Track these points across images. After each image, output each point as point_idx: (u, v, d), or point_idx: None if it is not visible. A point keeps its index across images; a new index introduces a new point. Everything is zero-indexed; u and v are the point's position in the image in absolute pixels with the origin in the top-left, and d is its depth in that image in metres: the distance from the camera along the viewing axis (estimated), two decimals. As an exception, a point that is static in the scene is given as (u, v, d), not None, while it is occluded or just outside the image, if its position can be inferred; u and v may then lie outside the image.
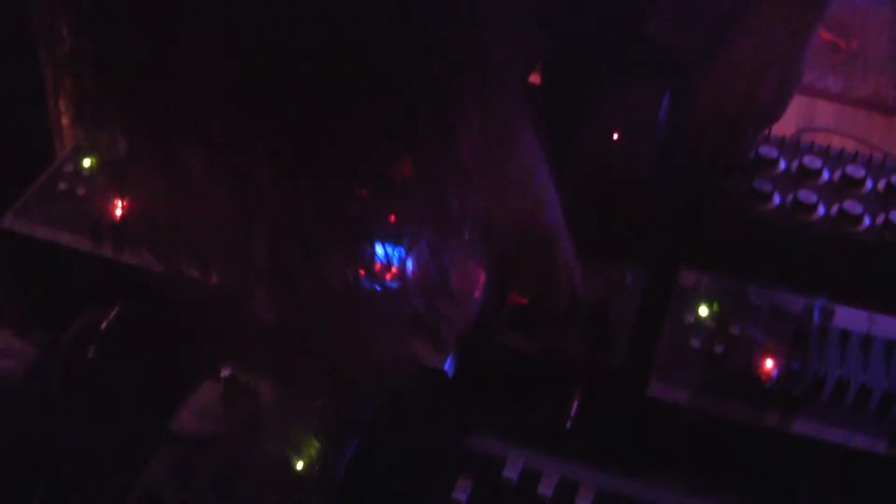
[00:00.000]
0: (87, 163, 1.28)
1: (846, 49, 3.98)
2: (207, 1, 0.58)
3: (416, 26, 0.62)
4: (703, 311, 1.15)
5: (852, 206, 1.25)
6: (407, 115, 0.65)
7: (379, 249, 0.77)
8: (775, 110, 1.32)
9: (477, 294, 1.16)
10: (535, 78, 1.59)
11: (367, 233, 0.72)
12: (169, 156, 0.66)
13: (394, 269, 0.80)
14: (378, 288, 0.82)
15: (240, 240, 0.70)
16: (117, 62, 0.63)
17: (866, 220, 1.25)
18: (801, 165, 1.31)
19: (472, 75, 0.68)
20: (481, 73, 0.69)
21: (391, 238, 0.74)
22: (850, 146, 1.52)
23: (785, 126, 1.38)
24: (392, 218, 0.73)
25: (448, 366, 1.09)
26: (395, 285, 0.83)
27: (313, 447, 1.02)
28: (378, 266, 0.78)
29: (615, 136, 1.28)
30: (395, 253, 0.79)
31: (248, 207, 0.67)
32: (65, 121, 1.46)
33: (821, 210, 1.26)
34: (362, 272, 0.76)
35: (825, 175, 1.31)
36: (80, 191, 1.27)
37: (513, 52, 0.71)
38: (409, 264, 0.81)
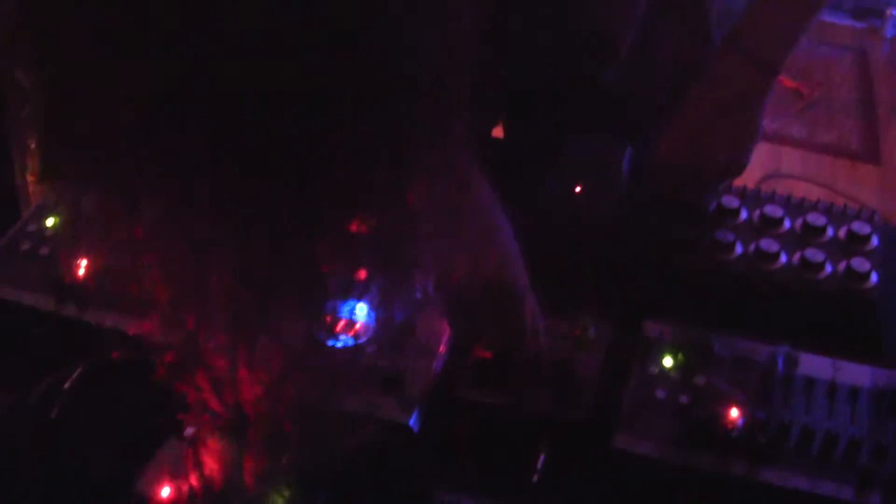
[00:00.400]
0: (50, 222, 1.28)
1: (809, 96, 4.02)
2: (163, 61, 0.58)
3: (368, 89, 0.63)
4: (668, 361, 1.16)
5: (814, 255, 1.26)
6: (359, 173, 0.66)
7: (345, 306, 0.77)
8: (734, 167, 1.33)
9: (442, 349, 1.16)
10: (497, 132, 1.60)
11: (324, 289, 0.72)
12: (126, 214, 0.66)
13: (358, 326, 0.80)
14: (341, 344, 0.82)
15: (197, 297, 0.70)
16: (75, 120, 0.63)
17: (828, 268, 1.26)
18: (762, 215, 1.32)
19: (423, 131, 0.68)
20: (433, 129, 0.69)
21: (351, 294, 0.74)
22: (816, 192, 1.54)
23: (750, 173, 1.39)
24: (349, 273, 0.73)
25: (413, 421, 1.09)
26: (359, 341, 0.83)
27: (279, 506, 1.01)
28: (341, 322, 0.78)
29: (578, 189, 1.29)
30: (358, 309, 0.79)
31: (205, 265, 0.67)
32: (29, 179, 1.46)
33: (783, 259, 1.27)
34: (324, 328, 0.76)
35: (787, 224, 1.32)
36: (44, 250, 1.26)
37: (465, 106, 0.71)
38: (373, 320, 0.81)
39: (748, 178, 1.40)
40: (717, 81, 1.29)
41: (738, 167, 1.34)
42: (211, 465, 1.03)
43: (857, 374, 1.16)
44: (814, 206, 1.35)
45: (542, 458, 1.08)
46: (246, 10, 0.58)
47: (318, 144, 0.63)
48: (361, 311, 0.79)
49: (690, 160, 1.31)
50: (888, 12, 4.43)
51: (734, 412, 1.09)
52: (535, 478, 1.06)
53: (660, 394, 1.13)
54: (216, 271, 0.67)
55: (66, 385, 1.14)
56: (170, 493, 1.04)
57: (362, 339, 0.84)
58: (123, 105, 0.60)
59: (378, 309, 0.79)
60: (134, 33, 0.58)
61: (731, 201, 1.34)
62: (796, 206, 1.35)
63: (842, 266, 1.26)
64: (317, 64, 0.60)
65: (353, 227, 0.71)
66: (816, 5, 1.27)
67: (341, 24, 0.60)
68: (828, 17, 4.48)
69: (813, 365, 1.16)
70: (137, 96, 0.60)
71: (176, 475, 1.05)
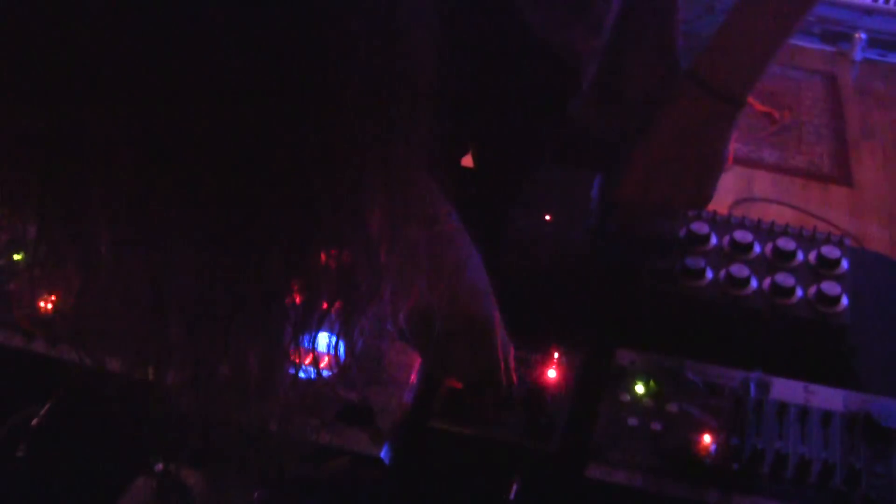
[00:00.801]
0: (17, 257, 1.27)
1: (780, 120, 4.05)
2: (115, 97, 0.58)
3: (321, 115, 0.62)
4: (640, 389, 1.16)
5: (784, 280, 1.26)
6: (314, 201, 0.65)
7: (307, 337, 0.76)
8: (698, 200, 1.33)
9: (413, 379, 1.16)
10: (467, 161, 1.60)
11: (284, 319, 0.72)
12: (82, 245, 0.66)
13: (320, 356, 0.80)
14: (303, 375, 0.82)
15: (155, 328, 0.69)
16: (28, 152, 0.63)
17: (799, 293, 1.26)
18: (732, 240, 1.33)
19: (379, 159, 0.68)
20: (390, 157, 0.69)
21: (312, 324, 0.74)
22: (788, 215, 1.54)
23: (723, 198, 1.40)
24: (310, 303, 0.72)
25: (385, 453, 1.09)
26: (323, 372, 0.82)
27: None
28: (303, 353, 0.78)
29: (548, 218, 1.29)
30: (321, 339, 0.78)
31: (162, 297, 0.67)
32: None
33: (753, 284, 1.27)
34: (285, 359, 0.75)
35: (757, 249, 1.33)
36: (12, 286, 1.26)
37: (424, 135, 0.71)
38: (338, 351, 0.81)
39: (720, 202, 1.41)
40: (680, 114, 1.29)
41: (703, 200, 1.34)
42: (179, 501, 1.03)
43: (830, 398, 1.16)
44: (784, 231, 1.35)
45: (514, 487, 1.07)
46: (186, 46, 0.57)
47: (270, 173, 0.62)
48: (325, 341, 0.78)
49: (654, 193, 1.31)
50: (856, 36, 4.48)
51: (707, 439, 1.09)
52: (508, 508, 1.06)
53: (632, 422, 1.13)
54: (173, 303, 0.67)
55: (34, 422, 1.13)
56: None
57: (326, 370, 0.83)
58: (72, 138, 0.60)
59: (340, 340, 0.79)
60: (95, 84, 0.58)
61: (700, 227, 1.34)
62: (766, 231, 1.36)
63: (812, 290, 1.26)
64: (268, 90, 0.60)
65: (313, 257, 0.70)
66: (779, 38, 1.26)
67: (292, 60, 0.60)
68: (797, 42, 4.53)
69: (785, 390, 1.16)
70: (87, 128, 0.59)
71: (146, 512, 1.05)
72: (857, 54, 4.52)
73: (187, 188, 0.61)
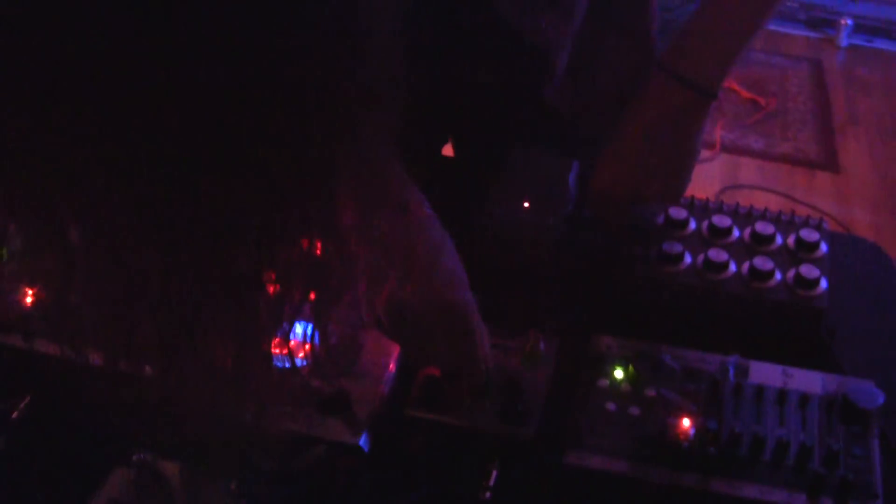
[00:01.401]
0: (-6, 253, 1.27)
1: (766, 107, 4.06)
2: (80, 82, 0.58)
3: (289, 105, 0.62)
4: (618, 374, 1.16)
5: (763, 263, 1.26)
6: (283, 192, 0.65)
7: (280, 327, 0.76)
8: (671, 192, 1.33)
9: (391, 368, 1.16)
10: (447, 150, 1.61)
11: (254, 309, 0.72)
12: (54, 236, 0.66)
13: (294, 345, 0.80)
14: (282, 367, 0.82)
15: (126, 320, 0.69)
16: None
17: (777, 276, 1.26)
18: (711, 225, 1.33)
19: (348, 149, 0.68)
20: (359, 148, 0.69)
21: (284, 315, 0.74)
22: (775, 202, 1.54)
23: (709, 185, 1.40)
24: (281, 294, 0.72)
25: (363, 441, 1.09)
26: (298, 361, 0.82)
27: (228, 532, 1.00)
28: (277, 342, 0.78)
29: (525, 205, 1.29)
30: (296, 329, 0.78)
31: (131, 289, 0.67)
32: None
33: (732, 268, 1.27)
34: (259, 349, 0.75)
35: (735, 233, 1.33)
36: (-12, 281, 1.25)
37: (394, 125, 0.71)
38: (312, 341, 0.81)
39: (707, 190, 1.42)
40: (652, 105, 1.27)
41: (676, 192, 1.33)
42: (157, 492, 1.03)
43: (808, 380, 1.16)
44: (762, 215, 1.35)
45: (493, 474, 1.07)
46: (168, 43, 0.57)
47: (238, 164, 0.62)
48: (299, 331, 0.78)
49: (627, 185, 1.30)
50: (842, 22, 4.49)
51: (685, 423, 1.10)
52: (487, 495, 1.06)
53: (610, 407, 1.13)
54: (143, 295, 0.67)
55: (13, 415, 1.13)
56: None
57: (301, 360, 0.83)
58: (41, 130, 0.60)
59: (315, 329, 0.79)
60: (62, 76, 0.58)
61: (678, 213, 1.34)
62: (744, 216, 1.36)
63: (791, 274, 1.26)
64: (236, 85, 0.60)
65: (284, 248, 0.70)
66: (752, 29, 1.25)
67: (259, 44, 0.60)
68: (782, 28, 4.53)
69: (763, 373, 1.17)
70: (66, 133, 0.60)
71: (124, 502, 1.05)
72: (843, 40, 4.53)
73: (155, 180, 0.61)
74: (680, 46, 1.26)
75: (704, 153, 3.63)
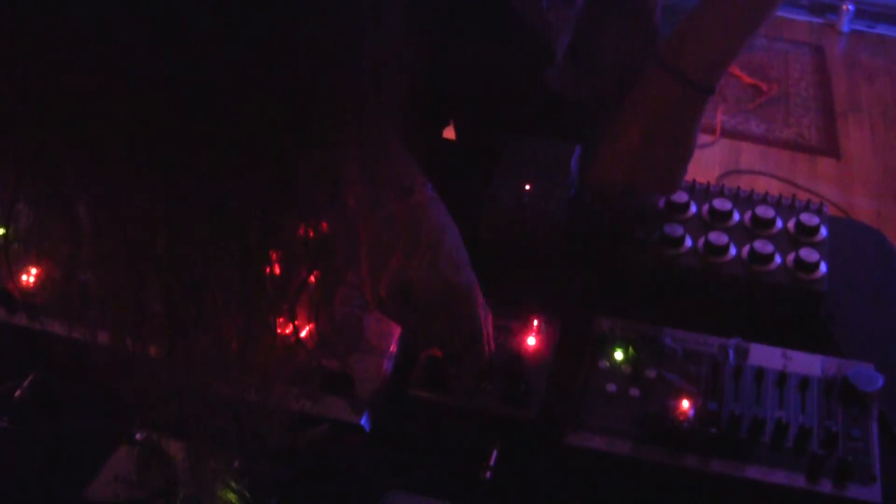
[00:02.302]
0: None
1: (768, 92, 4.06)
2: (92, 62, 0.59)
3: (293, 87, 0.63)
4: (619, 355, 1.16)
5: (763, 247, 1.26)
6: (289, 171, 0.66)
7: (287, 305, 0.77)
8: (666, 186, 1.33)
9: (393, 348, 1.16)
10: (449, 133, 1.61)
11: (261, 287, 0.72)
12: (62, 218, 0.67)
13: (300, 324, 0.80)
14: (286, 346, 0.82)
15: (133, 297, 0.70)
16: (9, 131, 0.63)
17: (777, 260, 1.26)
18: (711, 208, 1.33)
19: (353, 131, 0.68)
20: (363, 130, 0.69)
21: (290, 293, 0.74)
22: (776, 187, 1.54)
23: (710, 170, 1.40)
24: (286, 271, 0.73)
25: (365, 421, 1.09)
26: (302, 340, 0.83)
27: (231, 509, 1.01)
28: (282, 320, 0.78)
29: (528, 188, 1.29)
30: (301, 307, 0.79)
31: (139, 265, 0.67)
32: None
33: (732, 251, 1.28)
34: (264, 326, 0.76)
35: (736, 217, 1.33)
36: (-8, 260, 1.26)
37: (398, 109, 0.72)
38: (316, 320, 0.81)
39: (707, 174, 1.42)
40: (648, 99, 1.26)
41: (671, 186, 1.33)
42: (160, 470, 1.03)
43: (807, 363, 1.17)
44: (762, 199, 1.36)
45: (494, 454, 1.08)
46: (173, 14, 0.58)
47: (247, 143, 0.63)
48: (305, 309, 0.79)
49: (621, 178, 1.29)
50: (844, 7, 4.48)
51: (685, 404, 1.10)
52: (487, 474, 1.07)
53: (610, 388, 1.13)
54: (151, 271, 0.67)
55: (17, 394, 1.13)
56: (119, 500, 1.04)
57: (305, 338, 0.84)
58: (54, 106, 0.61)
59: (319, 308, 0.79)
60: (59, 35, 0.58)
61: (680, 196, 1.34)
62: (745, 200, 1.36)
63: (791, 257, 1.27)
64: (242, 64, 0.60)
65: (290, 228, 0.71)
66: (751, 26, 1.23)
67: (266, 24, 0.60)
68: (785, 13, 4.52)
69: (763, 355, 1.17)
70: (68, 97, 0.60)
71: (126, 482, 1.05)
72: (845, 26, 4.52)
73: (163, 156, 0.62)
74: (679, 41, 1.25)
75: (705, 138, 3.63)
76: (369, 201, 0.76)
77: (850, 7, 4.48)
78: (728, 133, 3.78)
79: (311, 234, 0.72)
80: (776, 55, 4.30)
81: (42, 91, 0.60)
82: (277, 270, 0.73)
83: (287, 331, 0.80)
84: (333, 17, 0.63)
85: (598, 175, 1.31)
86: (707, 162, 3.46)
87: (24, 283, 1.20)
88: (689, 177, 1.36)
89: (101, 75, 0.58)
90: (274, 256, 0.72)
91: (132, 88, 0.59)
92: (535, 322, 1.19)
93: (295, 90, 0.63)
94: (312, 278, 0.76)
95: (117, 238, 0.66)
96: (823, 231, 1.31)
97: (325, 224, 0.73)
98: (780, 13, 4.59)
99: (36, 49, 0.58)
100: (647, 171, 1.29)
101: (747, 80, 4.07)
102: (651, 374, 1.15)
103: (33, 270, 1.18)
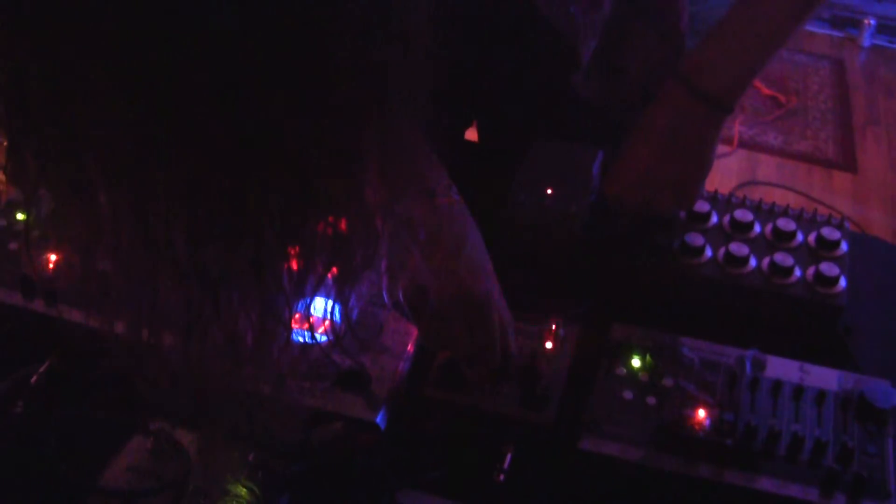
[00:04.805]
0: (19, 217, 1.28)
1: (787, 104, 4.05)
2: (124, 61, 0.58)
3: (317, 87, 0.63)
4: (636, 363, 1.16)
5: (783, 259, 1.26)
6: (309, 168, 0.66)
7: (302, 301, 0.77)
8: (682, 203, 1.33)
9: (410, 348, 1.16)
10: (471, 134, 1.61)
11: (277, 282, 0.72)
12: (82, 198, 0.66)
13: (315, 321, 0.80)
14: (298, 339, 0.82)
15: (150, 289, 0.69)
16: (33, 118, 0.63)
17: (797, 273, 1.26)
18: (732, 219, 1.33)
19: (374, 131, 0.68)
20: (386, 129, 0.69)
21: (307, 289, 0.74)
22: (792, 199, 1.54)
23: (727, 180, 1.40)
24: (304, 268, 0.73)
25: (380, 419, 1.09)
26: (318, 337, 0.83)
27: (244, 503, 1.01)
28: (297, 317, 0.78)
29: (549, 192, 1.29)
30: (317, 305, 0.78)
31: (157, 258, 0.67)
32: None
33: (752, 263, 1.28)
34: (279, 322, 0.76)
35: (757, 228, 1.33)
36: (12, 245, 1.26)
37: (422, 108, 0.71)
38: (334, 317, 0.81)
39: (724, 185, 1.41)
40: (666, 115, 1.25)
41: (687, 203, 1.32)
42: (174, 462, 1.03)
43: (824, 377, 1.16)
44: (784, 212, 1.36)
45: (508, 457, 1.08)
46: (199, 12, 0.58)
47: (266, 140, 0.63)
48: (321, 306, 0.79)
49: (637, 193, 1.29)
50: (865, 22, 4.47)
51: (701, 414, 1.10)
52: (501, 477, 1.07)
53: (627, 395, 1.13)
54: (167, 264, 0.67)
55: (33, 380, 1.13)
56: (133, 490, 1.04)
57: (321, 335, 0.84)
58: (85, 103, 0.61)
59: (335, 306, 0.79)
60: (95, 35, 0.58)
61: (701, 206, 1.34)
62: (766, 212, 1.36)
63: (811, 271, 1.26)
64: (266, 61, 0.60)
65: (309, 224, 0.70)
66: (773, 47, 1.22)
67: (292, 21, 0.60)
68: (806, 26, 4.51)
69: (780, 368, 1.17)
70: (99, 95, 0.60)
71: (140, 471, 1.05)
72: (866, 40, 4.51)
73: (185, 149, 0.62)
74: (698, 58, 1.24)
75: (723, 148, 3.63)
76: (388, 200, 0.76)
77: (872, 22, 4.47)
78: (746, 144, 3.77)
79: (329, 231, 0.72)
80: (796, 67, 4.29)
81: (63, 83, 0.60)
82: (295, 265, 0.72)
83: (303, 327, 0.80)
84: (361, 13, 0.63)
85: (615, 189, 1.30)
86: (724, 172, 3.45)
87: (44, 268, 1.20)
88: (707, 187, 1.36)
89: (117, 65, 0.58)
90: (291, 252, 0.71)
91: (156, 85, 0.59)
92: (554, 326, 1.19)
93: (318, 86, 0.63)
94: (329, 275, 0.76)
95: (136, 229, 0.66)
96: (844, 246, 1.31)
97: (344, 221, 0.72)
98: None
99: (53, 39, 0.58)
100: (662, 186, 1.28)
101: (766, 91, 4.06)
102: (668, 382, 1.14)
103: (53, 257, 1.18)
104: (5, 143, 0.67)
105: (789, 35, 1.22)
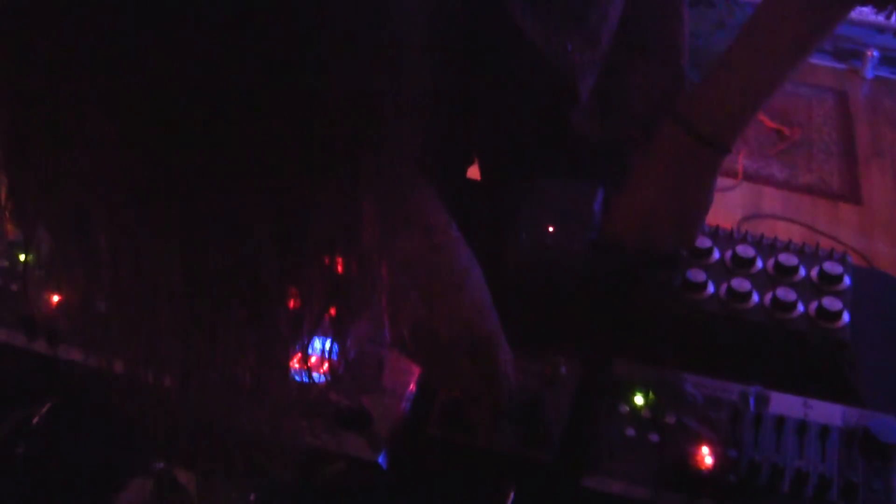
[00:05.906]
0: (21, 258, 1.28)
1: (791, 137, 4.05)
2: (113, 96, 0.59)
3: (311, 125, 0.63)
4: (639, 400, 1.16)
5: (785, 294, 1.26)
6: (304, 210, 0.66)
7: (301, 341, 0.77)
8: (681, 243, 1.33)
9: (412, 387, 1.16)
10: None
11: (274, 323, 0.72)
12: (83, 241, 0.67)
13: (315, 361, 0.80)
14: (297, 378, 0.82)
15: (149, 331, 0.69)
16: (31, 158, 0.64)
17: (800, 308, 1.26)
18: (734, 255, 1.33)
19: (368, 165, 0.68)
20: (378, 164, 0.69)
21: (305, 330, 0.74)
22: (797, 232, 1.53)
23: (731, 214, 1.40)
24: (302, 308, 0.73)
25: (382, 459, 1.09)
26: (317, 377, 0.83)
27: (245, 544, 1.01)
28: (297, 357, 0.78)
29: (550, 229, 1.29)
30: (316, 345, 0.78)
31: (155, 294, 0.67)
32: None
33: (755, 298, 1.27)
34: (278, 362, 0.76)
35: (759, 264, 1.33)
36: (14, 286, 1.26)
37: (417, 146, 0.71)
38: (334, 357, 0.81)
39: (729, 219, 1.41)
40: (663, 155, 1.26)
41: (685, 244, 1.32)
42: (176, 501, 1.03)
43: (828, 412, 1.16)
44: (786, 247, 1.35)
45: (511, 496, 1.07)
46: (192, 44, 0.58)
47: (263, 179, 0.63)
48: (320, 346, 0.78)
49: (636, 233, 1.29)
50: (868, 53, 4.47)
51: (705, 451, 1.09)
52: (504, 516, 1.06)
53: (630, 432, 1.13)
54: (165, 305, 0.67)
55: (35, 421, 1.13)
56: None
57: (321, 375, 0.83)
58: (83, 145, 0.61)
59: (335, 346, 0.79)
60: (93, 78, 0.58)
61: (703, 241, 1.34)
62: (768, 247, 1.36)
63: (813, 306, 1.26)
64: (257, 90, 0.60)
65: (306, 264, 0.70)
66: (771, 87, 1.22)
67: (288, 54, 0.60)
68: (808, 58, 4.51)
69: (784, 404, 1.16)
70: (96, 137, 0.60)
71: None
72: (869, 72, 4.51)
73: (181, 191, 0.62)
74: (696, 99, 1.24)
75: (727, 181, 3.63)
76: (387, 239, 0.76)
77: (875, 53, 4.48)
78: (750, 177, 3.77)
79: (327, 270, 0.72)
80: (799, 100, 4.30)
81: (61, 124, 0.60)
82: (292, 305, 0.72)
83: (302, 367, 0.79)
84: (358, 48, 0.63)
85: (616, 229, 1.30)
86: (729, 206, 3.45)
87: (46, 308, 1.20)
88: (712, 221, 1.36)
89: (115, 108, 0.59)
90: (289, 292, 0.71)
91: (153, 126, 0.59)
92: (556, 364, 1.19)
93: (314, 122, 0.63)
94: (327, 316, 0.76)
95: (133, 270, 0.66)
96: (847, 280, 1.30)
97: (341, 261, 0.72)
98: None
99: (52, 80, 0.58)
100: (660, 226, 1.28)
101: (770, 124, 4.06)
102: (670, 419, 1.14)
103: (55, 297, 1.18)
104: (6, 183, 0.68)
105: (785, 76, 1.22)
